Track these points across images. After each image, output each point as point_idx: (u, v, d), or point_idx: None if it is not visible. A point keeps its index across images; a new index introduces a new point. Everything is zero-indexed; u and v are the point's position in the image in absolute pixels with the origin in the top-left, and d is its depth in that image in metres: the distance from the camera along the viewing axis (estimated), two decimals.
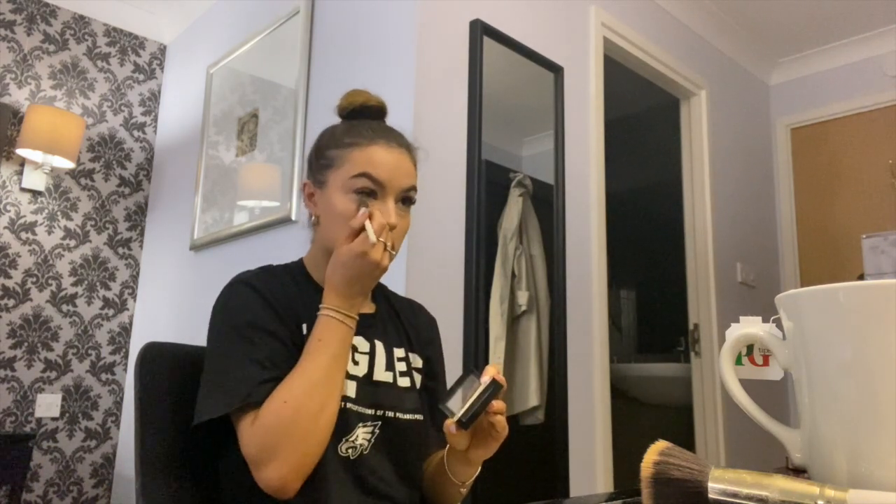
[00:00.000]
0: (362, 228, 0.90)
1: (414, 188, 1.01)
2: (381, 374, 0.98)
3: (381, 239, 0.90)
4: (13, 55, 2.94)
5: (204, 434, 0.92)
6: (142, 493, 0.92)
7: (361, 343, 0.99)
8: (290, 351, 0.92)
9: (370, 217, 0.91)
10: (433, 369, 1.10)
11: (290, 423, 0.83)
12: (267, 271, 1.02)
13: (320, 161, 1.01)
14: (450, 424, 0.85)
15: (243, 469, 0.86)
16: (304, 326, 0.95)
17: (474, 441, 0.90)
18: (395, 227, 0.96)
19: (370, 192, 0.95)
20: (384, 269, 0.92)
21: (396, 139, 1.01)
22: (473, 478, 0.98)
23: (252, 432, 0.85)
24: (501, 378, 0.86)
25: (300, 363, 0.89)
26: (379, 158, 0.96)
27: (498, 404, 0.87)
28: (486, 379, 0.86)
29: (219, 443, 0.94)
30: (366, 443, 0.93)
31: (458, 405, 0.85)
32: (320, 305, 0.92)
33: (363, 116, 1.04)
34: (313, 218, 1.03)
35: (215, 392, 0.88)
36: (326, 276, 0.93)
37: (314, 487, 0.87)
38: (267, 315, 0.93)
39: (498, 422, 0.87)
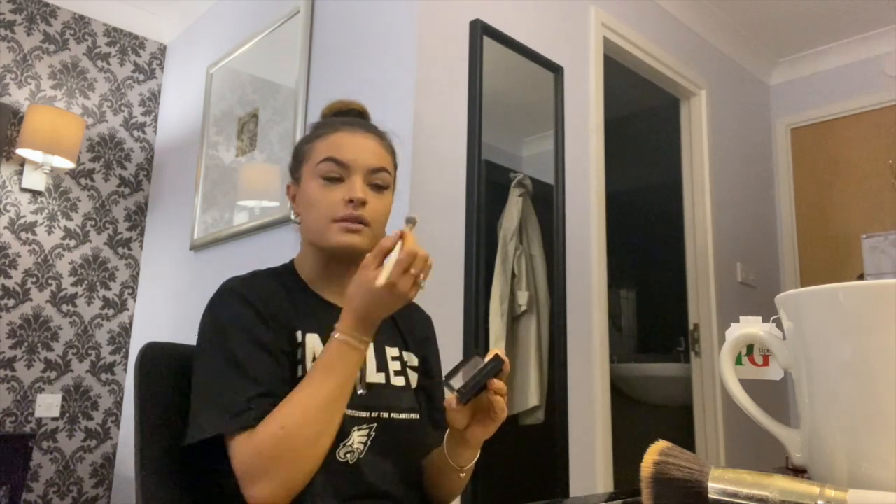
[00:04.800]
0: (390, 249, 0.85)
1: (385, 169, 1.01)
2: (372, 377, 0.98)
3: (412, 271, 0.85)
4: (13, 55, 2.94)
5: (199, 444, 0.90)
6: (142, 493, 0.92)
7: None
8: (280, 362, 0.91)
9: (402, 238, 0.85)
10: (429, 368, 1.10)
11: (286, 449, 0.82)
12: (256, 276, 1.01)
13: (296, 160, 1.06)
14: (451, 399, 0.86)
15: (236, 483, 0.85)
16: (299, 334, 0.95)
17: (473, 420, 0.90)
18: (365, 202, 0.97)
19: (338, 176, 0.98)
20: (410, 300, 0.88)
21: (363, 126, 1.03)
22: (472, 463, 0.97)
23: (245, 451, 0.84)
24: (505, 357, 0.86)
25: (303, 386, 0.86)
26: (343, 142, 1.00)
27: (499, 384, 0.87)
28: (489, 357, 0.86)
29: (211, 454, 0.90)
30: (362, 446, 0.93)
31: (459, 383, 0.86)
32: (335, 326, 0.88)
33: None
34: (298, 217, 1.05)
35: (208, 410, 0.87)
36: (347, 297, 0.88)
37: (313, 494, 0.87)
38: (257, 326, 0.92)
39: (497, 402, 0.87)
